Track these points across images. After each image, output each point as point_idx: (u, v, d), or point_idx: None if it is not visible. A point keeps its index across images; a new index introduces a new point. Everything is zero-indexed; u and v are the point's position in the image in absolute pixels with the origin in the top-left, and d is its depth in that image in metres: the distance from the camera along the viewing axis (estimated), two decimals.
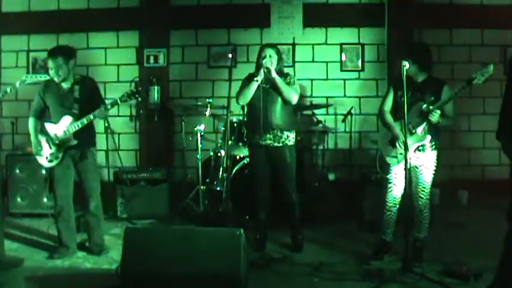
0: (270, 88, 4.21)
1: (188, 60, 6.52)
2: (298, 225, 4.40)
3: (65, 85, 4.12)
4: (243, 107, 5.65)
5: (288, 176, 4.32)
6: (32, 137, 4.18)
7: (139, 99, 4.15)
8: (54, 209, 4.23)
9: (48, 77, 4.29)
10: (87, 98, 4.10)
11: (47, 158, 4.13)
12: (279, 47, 4.41)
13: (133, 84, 6.40)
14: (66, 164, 4.14)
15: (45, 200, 5.35)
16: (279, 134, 4.23)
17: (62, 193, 4.17)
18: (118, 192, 5.36)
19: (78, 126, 4.02)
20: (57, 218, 4.19)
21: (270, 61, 4.17)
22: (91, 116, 3.99)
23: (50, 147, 4.11)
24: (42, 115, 4.22)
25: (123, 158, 5.93)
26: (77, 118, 4.04)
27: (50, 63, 4.06)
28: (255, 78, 4.14)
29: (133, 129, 6.57)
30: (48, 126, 4.14)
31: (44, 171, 5.32)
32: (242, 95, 4.23)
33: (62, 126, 4.07)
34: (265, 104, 4.17)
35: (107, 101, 4.18)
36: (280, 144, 4.25)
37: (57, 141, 4.09)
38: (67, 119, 4.05)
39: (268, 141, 4.23)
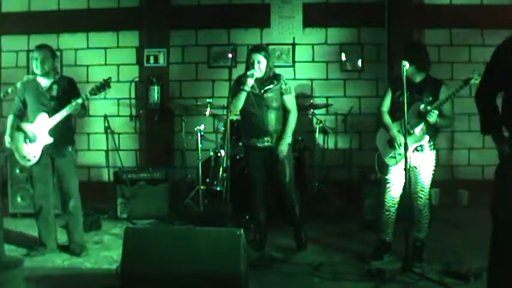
0: (263, 94, 4.17)
1: (188, 60, 6.53)
2: (299, 224, 4.38)
3: (44, 83, 4.12)
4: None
5: (287, 175, 4.30)
6: (7, 132, 4.16)
7: (108, 88, 4.12)
8: (34, 208, 4.23)
9: None
10: (64, 96, 4.07)
11: (25, 157, 4.09)
12: (272, 46, 4.46)
13: (133, 84, 6.41)
14: (45, 162, 4.13)
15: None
16: (275, 136, 4.24)
17: (40, 192, 4.16)
18: (118, 192, 5.36)
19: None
20: (37, 217, 4.20)
21: (259, 67, 4.16)
22: (63, 112, 3.97)
23: (28, 146, 4.08)
24: (23, 114, 4.20)
25: (123, 158, 5.94)
26: (51, 115, 4.01)
27: (37, 54, 4.07)
28: (244, 88, 4.10)
29: (133, 129, 6.57)
30: (26, 125, 4.10)
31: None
32: (233, 105, 4.16)
33: (38, 124, 4.04)
34: (260, 110, 4.16)
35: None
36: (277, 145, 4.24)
37: (34, 140, 4.05)
38: (43, 117, 4.03)
39: (266, 144, 4.24)
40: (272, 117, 4.21)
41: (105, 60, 6.50)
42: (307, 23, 6.37)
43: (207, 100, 5.61)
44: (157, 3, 6.41)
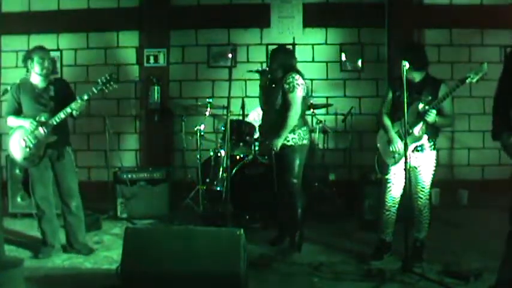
0: (269, 91, 4.17)
1: (188, 60, 6.53)
2: (294, 227, 4.19)
3: (41, 84, 4.09)
4: (243, 107, 5.66)
5: (288, 171, 4.10)
6: (24, 123, 4.01)
7: (115, 86, 4.11)
8: (37, 211, 4.19)
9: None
10: (61, 97, 4.06)
11: (26, 158, 4.04)
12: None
13: (133, 84, 6.42)
14: (44, 164, 4.09)
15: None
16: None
17: (42, 194, 4.13)
18: (118, 192, 5.36)
19: (56, 121, 3.96)
20: (40, 219, 4.17)
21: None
22: (68, 109, 3.93)
23: (30, 148, 4.02)
24: (19, 115, 4.11)
25: (123, 158, 5.93)
26: (53, 115, 3.99)
27: (43, 54, 4.04)
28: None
29: (133, 129, 6.57)
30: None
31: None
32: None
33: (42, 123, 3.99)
34: (266, 107, 4.18)
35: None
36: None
37: (36, 140, 4.00)
38: (45, 116, 3.99)
39: (270, 145, 4.14)
40: (273, 118, 4.12)
41: (105, 60, 6.50)
42: (307, 23, 6.38)
43: (207, 100, 5.61)
44: (157, 3, 6.41)
